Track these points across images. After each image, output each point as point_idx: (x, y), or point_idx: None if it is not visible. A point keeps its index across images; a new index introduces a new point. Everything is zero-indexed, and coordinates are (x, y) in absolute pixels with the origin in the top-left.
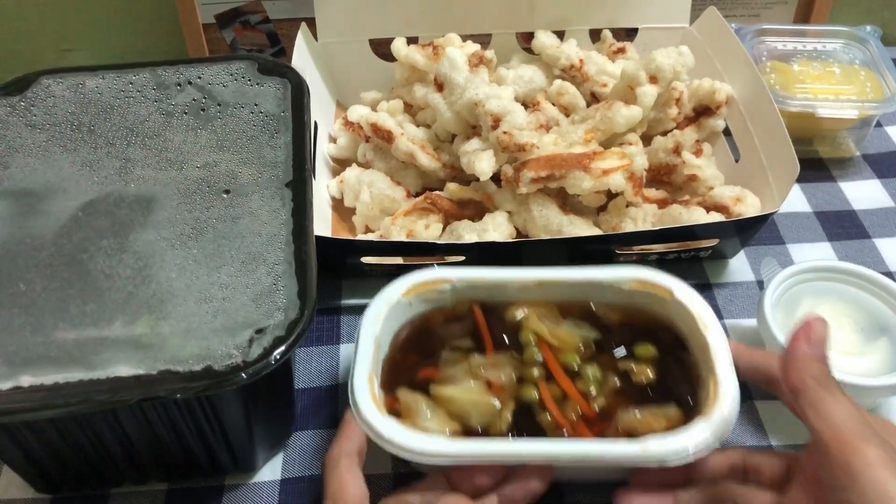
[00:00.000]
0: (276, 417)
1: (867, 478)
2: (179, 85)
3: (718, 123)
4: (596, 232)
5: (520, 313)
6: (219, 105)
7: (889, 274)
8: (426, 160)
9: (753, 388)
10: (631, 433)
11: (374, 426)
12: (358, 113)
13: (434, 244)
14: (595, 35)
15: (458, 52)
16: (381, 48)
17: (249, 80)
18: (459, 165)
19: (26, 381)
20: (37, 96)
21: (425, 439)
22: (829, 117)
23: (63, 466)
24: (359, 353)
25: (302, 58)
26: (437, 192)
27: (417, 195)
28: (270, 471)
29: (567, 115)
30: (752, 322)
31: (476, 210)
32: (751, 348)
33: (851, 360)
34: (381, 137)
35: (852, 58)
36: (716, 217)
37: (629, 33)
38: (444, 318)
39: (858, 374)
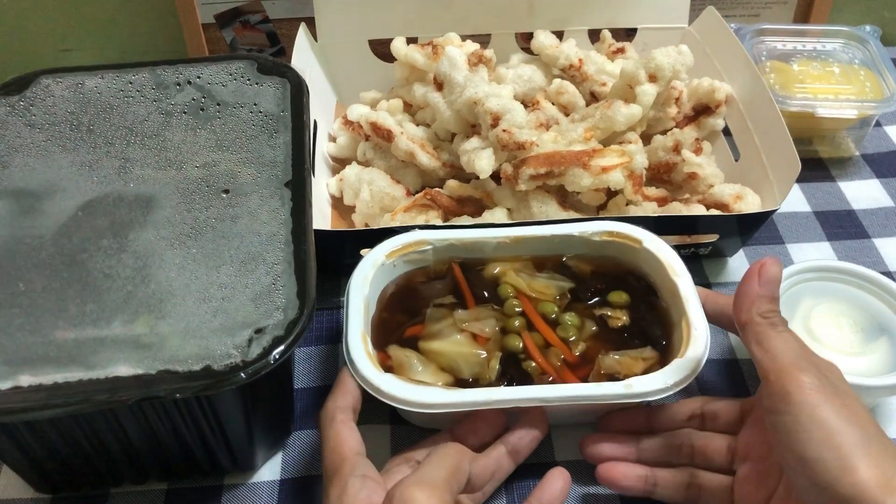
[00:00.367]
0: (276, 417)
1: (800, 401)
2: (179, 85)
3: (718, 122)
4: None
5: (497, 269)
6: (218, 105)
7: (889, 274)
8: (426, 159)
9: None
10: (612, 375)
11: (373, 381)
12: (358, 112)
13: None
14: (594, 35)
15: (457, 50)
16: (381, 48)
17: (249, 80)
18: (459, 164)
19: (26, 380)
20: (36, 96)
21: (423, 391)
22: (828, 117)
23: (62, 466)
24: (350, 313)
25: (301, 57)
26: (437, 189)
27: (417, 194)
28: (270, 471)
29: (566, 115)
30: None
31: (475, 207)
32: (716, 293)
33: (851, 360)
34: (381, 136)
35: (852, 57)
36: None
37: (628, 33)
38: (427, 277)
39: (858, 374)
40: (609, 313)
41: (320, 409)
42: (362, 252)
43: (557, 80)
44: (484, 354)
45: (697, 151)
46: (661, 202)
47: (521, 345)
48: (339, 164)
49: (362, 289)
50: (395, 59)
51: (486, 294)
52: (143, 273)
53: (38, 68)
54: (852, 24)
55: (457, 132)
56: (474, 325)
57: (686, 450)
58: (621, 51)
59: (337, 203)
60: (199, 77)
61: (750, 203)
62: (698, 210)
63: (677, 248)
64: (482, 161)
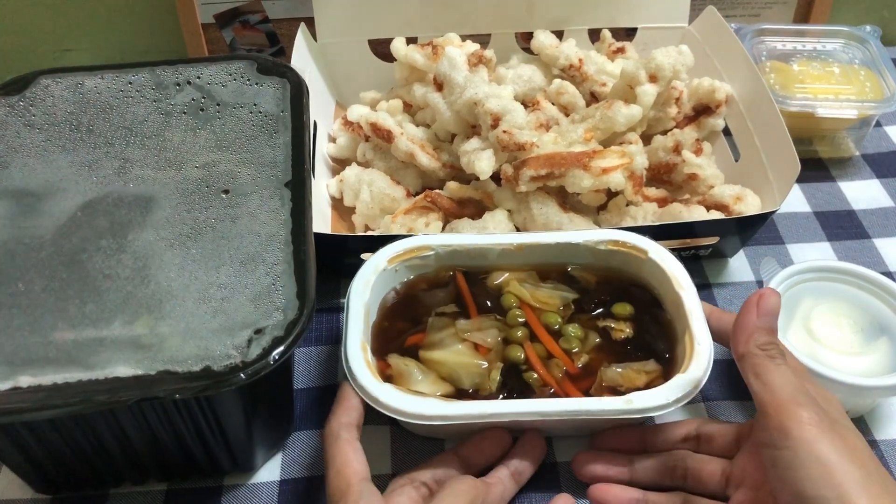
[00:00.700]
0: (276, 418)
1: (799, 437)
2: (178, 85)
3: (718, 123)
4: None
5: (500, 278)
6: (218, 105)
7: (889, 274)
8: (426, 160)
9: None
10: (614, 388)
11: (371, 392)
12: (357, 112)
13: None
14: (594, 35)
15: (457, 51)
16: (381, 48)
17: (248, 80)
18: (459, 165)
19: (25, 381)
20: (36, 96)
21: (422, 402)
22: (828, 117)
23: (62, 467)
24: (350, 319)
25: (301, 58)
26: (437, 191)
27: (417, 195)
28: (269, 471)
29: (567, 115)
30: None
31: (476, 209)
32: (720, 310)
33: (851, 360)
34: (381, 137)
35: (852, 57)
36: (716, 216)
37: (628, 33)
38: (428, 285)
39: (858, 374)
40: (613, 325)
41: (320, 410)
42: (363, 256)
43: (557, 81)
44: (485, 365)
45: (698, 152)
46: (662, 203)
47: (522, 355)
48: (339, 164)
49: (363, 294)
50: (395, 60)
51: (488, 303)
52: (143, 273)
53: (38, 68)
54: (852, 24)
55: (457, 133)
56: (476, 335)
57: (680, 472)
58: (621, 50)
59: (337, 204)
60: (198, 77)
61: (750, 204)
62: (698, 211)
63: (678, 250)
64: (482, 162)
